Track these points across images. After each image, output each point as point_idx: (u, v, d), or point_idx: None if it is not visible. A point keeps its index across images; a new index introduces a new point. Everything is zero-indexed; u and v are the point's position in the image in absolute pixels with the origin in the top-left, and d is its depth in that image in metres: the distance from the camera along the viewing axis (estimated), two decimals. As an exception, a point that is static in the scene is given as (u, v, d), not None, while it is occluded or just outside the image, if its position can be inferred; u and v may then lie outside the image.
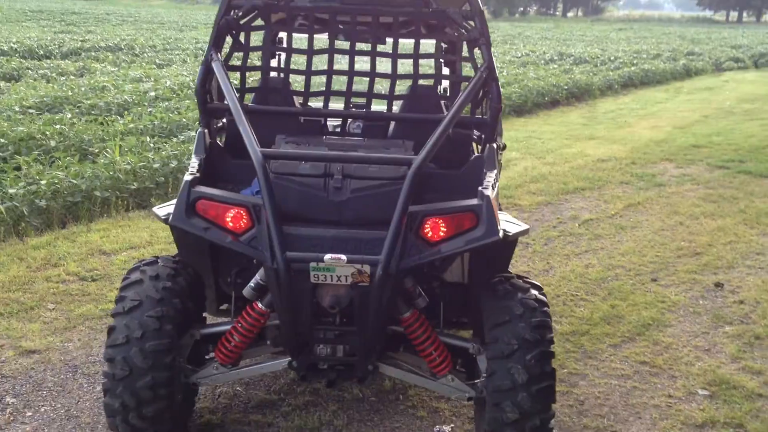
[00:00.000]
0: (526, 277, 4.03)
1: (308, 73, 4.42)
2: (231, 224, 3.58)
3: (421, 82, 4.52)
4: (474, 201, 3.64)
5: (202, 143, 4.14)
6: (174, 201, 4.12)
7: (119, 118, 11.03)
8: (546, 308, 3.79)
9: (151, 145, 9.49)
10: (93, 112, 11.44)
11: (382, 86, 5.61)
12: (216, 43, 4.22)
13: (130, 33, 31.86)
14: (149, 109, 11.70)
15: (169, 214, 3.75)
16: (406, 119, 4.39)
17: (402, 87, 5.00)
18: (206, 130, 4.21)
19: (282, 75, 4.93)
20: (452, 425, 4.35)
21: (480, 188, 3.73)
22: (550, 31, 51.00)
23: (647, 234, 8.02)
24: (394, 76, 4.38)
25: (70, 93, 12.50)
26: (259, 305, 3.85)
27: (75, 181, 7.85)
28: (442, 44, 5.13)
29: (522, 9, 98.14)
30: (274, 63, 5.44)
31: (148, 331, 3.68)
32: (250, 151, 3.62)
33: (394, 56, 4.35)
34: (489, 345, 3.71)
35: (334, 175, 3.70)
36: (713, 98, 21.20)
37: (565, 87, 19.40)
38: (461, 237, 3.60)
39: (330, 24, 4.39)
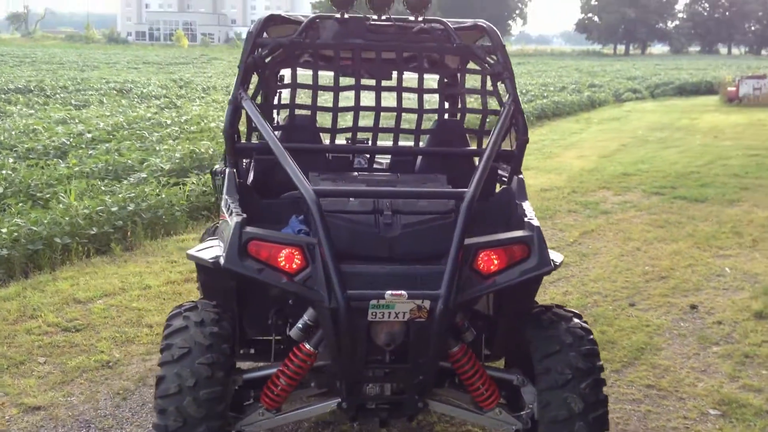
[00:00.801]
0: (564, 306, 4.10)
1: (335, 109, 4.42)
2: (284, 264, 3.53)
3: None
4: (523, 232, 3.70)
5: (233, 183, 4.07)
6: (209, 242, 4.05)
7: (60, 161, 10.70)
8: (591, 336, 3.86)
9: (102, 188, 9.24)
10: (31, 156, 11.06)
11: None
12: (243, 81, 4.17)
13: (32, 74, 31.02)
14: (90, 152, 11.39)
15: (217, 256, 3.65)
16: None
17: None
18: (235, 170, 4.14)
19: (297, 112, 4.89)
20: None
21: (526, 219, 3.79)
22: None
23: (610, 260, 8.25)
24: (420, 111, 4.43)
25: (1, 137, 12.05)
26: (307, 346, 3.78)
27: (35, 228, 7.55)
28: (445, 79, 5.20)
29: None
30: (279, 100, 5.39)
31: (201, 379, 3.57)
32: (301, 190, 3.58)
33: (420, 91, 4.40)
34: (540, 376, 3.74)
35: (383, 212, 3.70)
36: (624, 128, 22.04)
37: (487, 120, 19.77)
38: (515, 268, 3.64)
39: (354, 61, 4.41)
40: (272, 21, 4.28)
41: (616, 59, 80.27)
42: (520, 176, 4.24)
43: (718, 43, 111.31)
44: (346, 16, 4.25)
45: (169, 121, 14.78)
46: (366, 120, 4.62)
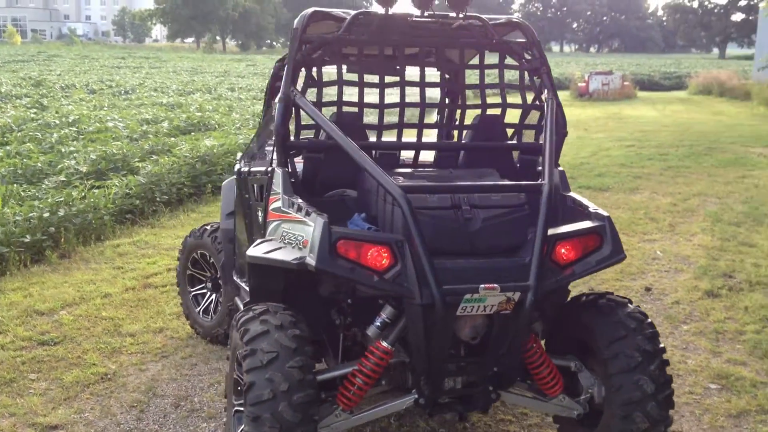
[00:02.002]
0: (612, 293, 4.26)
1: (382, 106, 4.40)
2: (373, 263, 3.50)
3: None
4: (593, 222, 3.83)
5: (288, 183, 3.98)
6: (266, 243, 3.92)
7: (-40, 166, 9.99)
8: (649, 319, 4.04)
9: (22, 193, 8.71)
10: (-74, 161, 10.27)
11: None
12: (293, 79, 4.08)
13: None
14: (-9, 155, 10.69)
15: (301, 257, 3.55)
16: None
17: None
18: (286, 170, 4.05)
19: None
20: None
21: (593, 210, 3.93)
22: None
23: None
24: (463, 107, 4.48)
25: None
26: (384, 344, 3.76)
27: (-29, 238, 7.06)
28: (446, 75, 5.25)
29: (269, 41, 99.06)
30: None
31: (294, 383, 3.48)
32: (387, 187, 3.55)
33: (462, 87, 4.45)
34: (610, 361, 3.87)
35: (462, 206, 3.73)
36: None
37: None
38: (590, 258, 3.77)
39: (397, 58, 4.40)
40: (316, 17, 4.21)
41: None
42: (560, 168, 4.36)
43: (550, 41, 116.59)
44: (389, 12, 4.24)
45: (56, 122, 14.03)
46: (392, 117, 4.61)
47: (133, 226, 9.29)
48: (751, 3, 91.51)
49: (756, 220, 9.80)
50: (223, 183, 5.69)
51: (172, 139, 12.92)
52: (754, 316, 6.42)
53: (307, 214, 3.64)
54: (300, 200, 3.83)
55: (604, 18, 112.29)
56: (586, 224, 3.84)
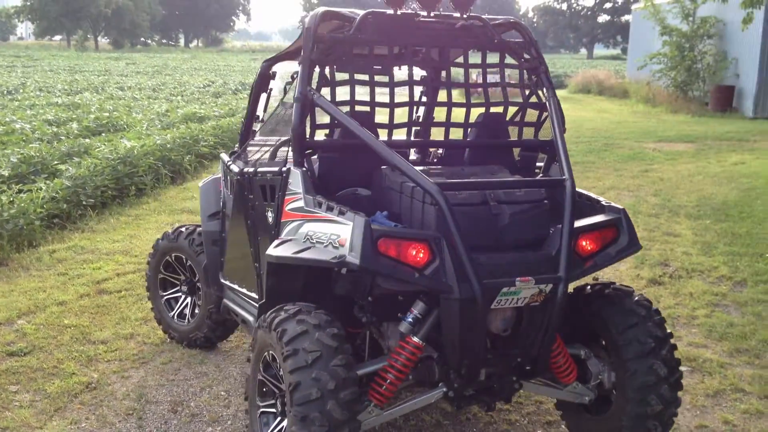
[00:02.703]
0: (614, 282, 4.45)
1: (392, 105, 4.44)
2: (413, 260, 3.55)
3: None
4: (609, 215, 4.01)
5: (310, 183, 3.99)
6: (288, 244, 3.90)
7: None
8: (655, 307, 4.25)
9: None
10: None
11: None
12: (309, 78, 4.08)
13: None
14: None
15: (341, 256, 3.55)
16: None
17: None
18: (306, 170, 4.05)
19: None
20: None
21: (605, 203, 4.11)
22: (190, 62, 51.10)
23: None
24: (468, 105, 4.58)
25: None
26: (415, 339, 3.83)
27: None
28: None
29: (143, 39, 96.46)
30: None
31: (340, 382, 3.50)
32: (423, 185, 3.62)
33: (467, 86, 4.55)
34: (625, 347, 4.04)
35: (489, 202, 3.82)
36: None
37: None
38: (609, 249, 3.96)
39: (407, 57, 4.46)
40: (326, 16, 4.22)
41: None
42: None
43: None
44: (398, 12, 4.30)
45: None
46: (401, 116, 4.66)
47: (63, 230, 8.95)
48: (616, 5, 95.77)
49: (672, 212, 10.33)
50: (200, 184, 5.60)
51: (86, 140, 12.48)
52: (701, 301, 6.81)
53: (341, 213, 3.65)
54: (325, 199, 3.83)
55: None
56: (603, 217, 4.01)
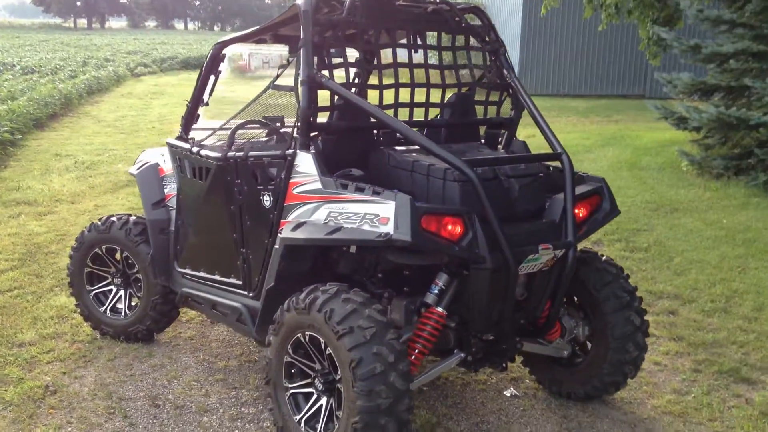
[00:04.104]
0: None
1: (381, 87, 4.56)
2: (450, 233, 3.77)
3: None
4: (592, 184, 4.42)
5: (323, 165, 4.05)
6: (307, 226, 3.95)
7: None
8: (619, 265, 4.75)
9: None
10: None
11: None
12: (313, 60, 4.12)
13: None
14: None
15: (384, 233, 3.64)
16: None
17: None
18: (315, 152, 4.10)
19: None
20: (514, 391, 4.98)
21: (583, 174, 4.52)
22: None
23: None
24: (444, 86, 4.79)
25: None
26: (438, 309, 4.05)
27: None
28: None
29: None
30: None
31: (398, 354, 3.66)
32: (453, 162, 3.83)
33: (441, 68, 4.77)
34: (604, 302, 4.50)
35: (500, 177, 4.10)
36: (182, 101, 22.43)
37: (56, 96, 18.70)
38: (597, 215, 4.39)
39: (392, 40, 4.59)
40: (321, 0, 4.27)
41: (79, 33, 78.32)
42: (522, 140, 4.90)
43: (174, 18, 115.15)
44: (382, -4, 4.44)
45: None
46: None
47: None
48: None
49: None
50: (137, 173, 5.39)
51: None
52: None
53: (376, 193, 3.76)
54: (344, 179, 3.92)
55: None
56: (587, 187, 4.41)
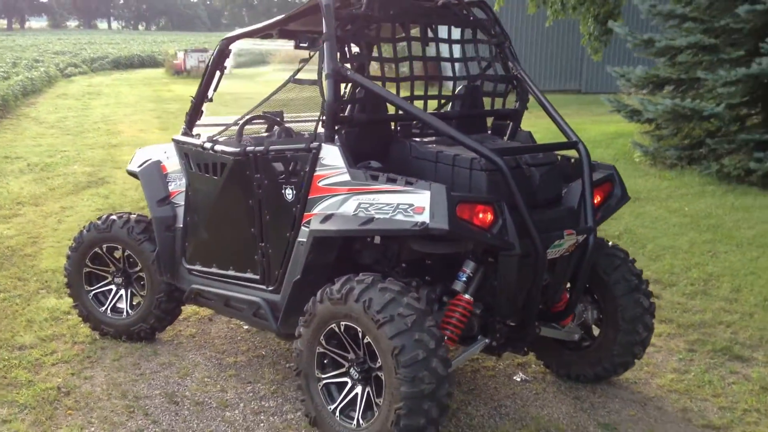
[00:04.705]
0: None
1: (398, 80, 4.62)
2: (481, 221, 3.86)
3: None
4: (602, 173, 4.56)
5: (350, 158, 4.10)
6: (334, 218, 3.99)
7: None
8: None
9: None
10: None
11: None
12: (336, 54, 4.17)
13: None
14: None
15: (420, 222, 3.67)
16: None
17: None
18: (341, 145, 4.14)
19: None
20: (524, 376, 5.11)
21: (594, 162, 4.66)
22: None
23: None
24: (454, 78, 4.88)
25: None
26: (466, 296, 4.14)
27: None
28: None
29: None
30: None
31: (437, 341, 3.74)
32: (484, 152, 3.92)
33: (452, 61, 4.85)
34: (615, 285, 4.65)
35: (521, 166, 4.20)
36: (121, 101, 22.20)
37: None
38: (610, 201, 4.54)
39: (406, 34, 4.64)
40: None
41: (5, 34, 76.33)
42: (525, 130, 5.02)
43: (97, 17, 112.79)
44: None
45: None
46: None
47: None
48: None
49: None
50: (140, 171, 5.33)
51: None
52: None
53: (409, 183, 3.83)
54: (371, 171, 3.98)
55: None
56: (600, 174, 4.55)
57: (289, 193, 4.35)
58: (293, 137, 4.97)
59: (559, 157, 4.63)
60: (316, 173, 4.20)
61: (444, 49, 4.85)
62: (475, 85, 4.92)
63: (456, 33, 4.90)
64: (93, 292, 5.51)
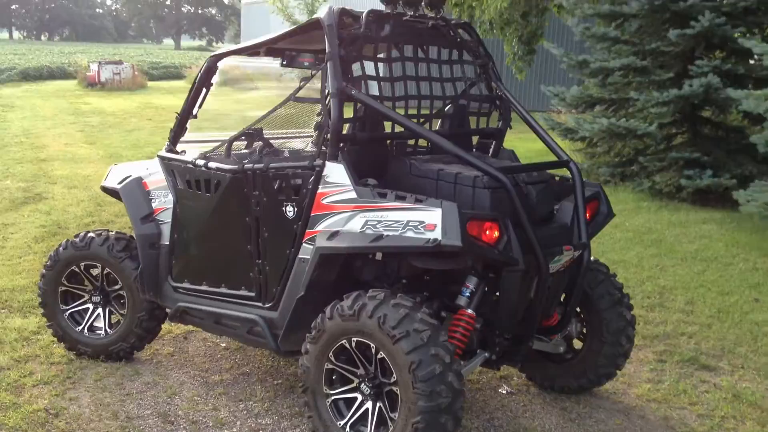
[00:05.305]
0: None
1: (393, 99, 4.68)
2: (488, 238, 3.97)
3: None
4: (592, 190, 4.73)
5: (355, 175, 4.16)
6: (337, 236, 4.04)
7: None
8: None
9: None
10: None
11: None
12: (341, 74, 4.22)
13: None
14: None
15: (432, 239, 3.76)
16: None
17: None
18: (345, 163, 4.19)
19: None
20: (509, 388, 5.23)
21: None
22: None
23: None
24: (444, 98, 4.97)
25: None
26: (469, 311, 4.24)
27: None
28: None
29: None
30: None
31: (451, 355, 3.83)
32: (489, 171, 4.05)
33: (442, 81, 4.94)
34: (599, 299, 4.83)
35: (520, 184, 4.33)
36: (38, 113, 21.57)
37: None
38: (597, 218, 4.72)
39: (401, 54, 4.72)
40: (343, 14, 4.38)
41: None
42: (508, 149, 5.18)
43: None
44: (394, 11, 4.59)
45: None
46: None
47: None
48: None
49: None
50: (121, 188, 5.24)
51: None
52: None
53: (418, 200, 3.91)
54: (374, 188, 4.05)
55: (53, 5, 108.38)
56: (587, 192, 4.72)
57: (289, 211, 4.37)
58: (277, 154, 5.00)
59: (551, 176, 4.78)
60: (319, 191, 4.23)
61: (433, 69, 4.94)
62: (462, 105, 5.03)
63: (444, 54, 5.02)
64: (69, 311, 5.39)
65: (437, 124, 5.05)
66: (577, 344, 5.06)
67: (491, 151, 5.17)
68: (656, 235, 9.12)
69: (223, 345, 5.70)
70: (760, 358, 5.76)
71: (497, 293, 4.29)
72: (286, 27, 29.16)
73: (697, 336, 6.15)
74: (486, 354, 4.41)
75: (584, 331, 4.97)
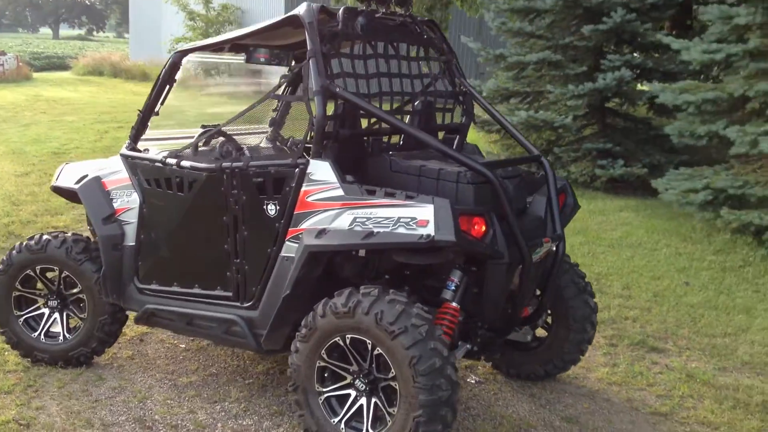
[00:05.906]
0: None
1: (369, 96, 4.68)
2: (476, 232, 4.06)
3: None
4: (560, 183, 4.88)
5: (341, 173, 4.16)
6: (328, 233, 4.05)
7: None
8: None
9: None
10: None
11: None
12: (324, 71, 4.22)
13: None
14: None
15: (428, 235, 3.82)
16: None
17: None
18: (331, 161, 4.20)
19: None
20: (476, 378, 5.35)
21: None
22: None
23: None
24: (413, 94, 5.00)
25: None
26: (453, 304, 4.32)
27: None
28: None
29: None
30: None
31: (448, 348, 3.91)
32: (474, 166, 4.14)
33: (412, 77, 4.99)
34: (566, 288, 5.01)
35: (498, 179, 4.43)
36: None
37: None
38: (564, 210, 4.87)
39: (374, 51, 4.74)
40: (321, 11, 4.37)
41: None
42: (471, 144, 5.28)
43: None
44: (368, 9, 4.62)
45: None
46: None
47: None
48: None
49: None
50: (79, 188, 5.07)
51: None
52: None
53: (409, 197, 3.96)
54: (361, 186, 4.07)
55: None
56: (561, 183, 4.86)
57: (271, 209, 4.34)
58: (239, 150, 4.94)
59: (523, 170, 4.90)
60: (303, 188, 4.22)
61: (404, 66, 4.99)
62: (429, 101, 5.09)
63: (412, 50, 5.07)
64: (24, 316, 5.18)
65: (406, 120, 5.10)
66: (540, 332, 5.21)
67: (455, 145, 5.26)
68: (580, 224, 9.42)
69: (183, 346, 5.60)
70: (702, 339, 6.07)
71: (477, 287, 4.38)
72: (181, 16, 28.80)
73: (640, 320, 6.42)
74: (468, 345, 4.50)
75: (549, 320, 5.12)
